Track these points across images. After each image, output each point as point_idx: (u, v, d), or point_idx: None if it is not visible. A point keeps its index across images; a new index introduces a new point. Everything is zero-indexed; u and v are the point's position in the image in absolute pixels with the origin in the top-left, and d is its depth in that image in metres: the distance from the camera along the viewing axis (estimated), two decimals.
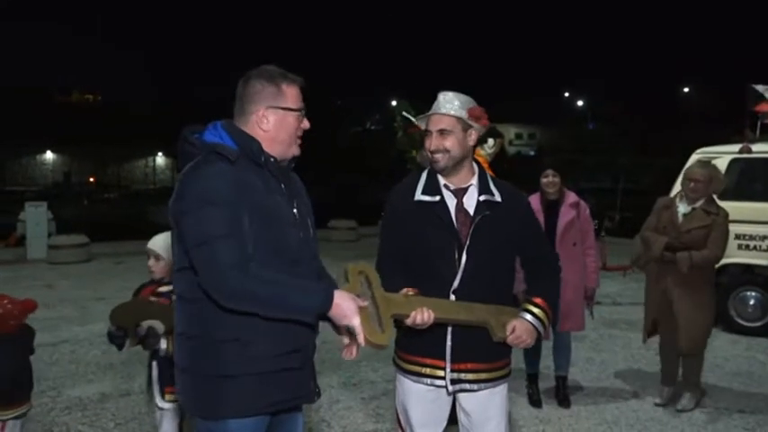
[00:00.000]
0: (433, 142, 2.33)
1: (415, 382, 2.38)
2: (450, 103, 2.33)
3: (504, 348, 2.37)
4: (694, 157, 6.66)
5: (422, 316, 2.11)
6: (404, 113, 8.47)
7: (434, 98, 2.41)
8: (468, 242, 2.29)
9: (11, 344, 2.93)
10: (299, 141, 2.09)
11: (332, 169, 36.26)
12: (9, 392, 2.92)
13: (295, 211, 2.05)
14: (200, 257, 1.84)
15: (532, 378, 4.51)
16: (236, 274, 1.81)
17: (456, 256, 2.28)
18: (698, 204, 4.10)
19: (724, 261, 6.25)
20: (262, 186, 1.95)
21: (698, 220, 4.06)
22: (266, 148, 2.01)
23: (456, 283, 2.28)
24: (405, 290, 2.18)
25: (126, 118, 54.09)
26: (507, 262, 2.40)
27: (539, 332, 2.35)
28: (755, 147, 6.41)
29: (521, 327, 2.30)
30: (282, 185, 2.03)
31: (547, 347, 4.57)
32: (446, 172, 2.35)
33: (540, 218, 4.05)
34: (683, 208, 4.13)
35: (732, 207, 6.04)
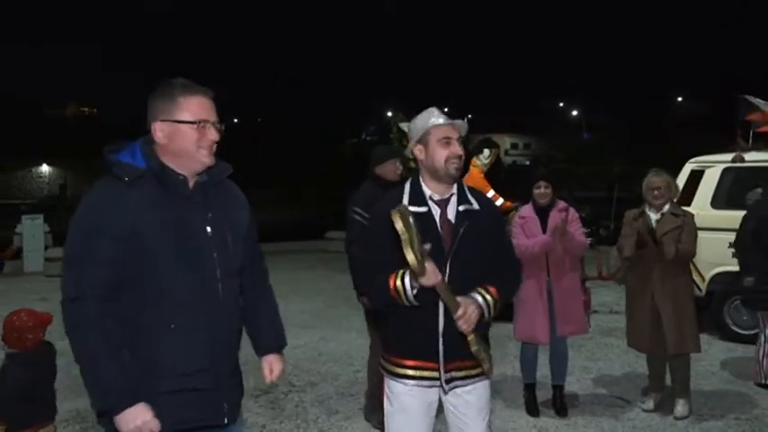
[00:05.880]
0: (457, 148, 2.42)
1: (405, 385, 2.41)
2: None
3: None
4: (688, 166, 6.73)
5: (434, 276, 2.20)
6: (399, 125, 8.53)
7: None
8: (452, 251, 2.35)
9: (24, 361, 2.88)
10: (205, 152, 2.00)
11: (332, 181, 36.18)
12: (21, 412, 2.83)
13: (209, 228, 2.02)
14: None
15: (529, 387, 4.53)
16: (72, 307, 1.91)
17: (441, 263, 2.30)
18: (665, 210, 4.40)
19: (719, 269, 6.31)
20: (161, 203, 1.95)
21: (670, 222, 4.35)
22: (166, 161, 1.99)
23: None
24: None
25: (122, 130, 53.88)
26: (490, 266, 2.42)
27: (482, 315, 2.33)
28: (748, 156, 6.47)
29: (467, 306, 2.28)
30: (190, 201, 2.01)
31: (543, 356, 4.59)
32: (454, 178, 2.44)
33: (534, 223, 4.39)
34: (653, 215, 4.41)
35: (725, 216, 6.13)
